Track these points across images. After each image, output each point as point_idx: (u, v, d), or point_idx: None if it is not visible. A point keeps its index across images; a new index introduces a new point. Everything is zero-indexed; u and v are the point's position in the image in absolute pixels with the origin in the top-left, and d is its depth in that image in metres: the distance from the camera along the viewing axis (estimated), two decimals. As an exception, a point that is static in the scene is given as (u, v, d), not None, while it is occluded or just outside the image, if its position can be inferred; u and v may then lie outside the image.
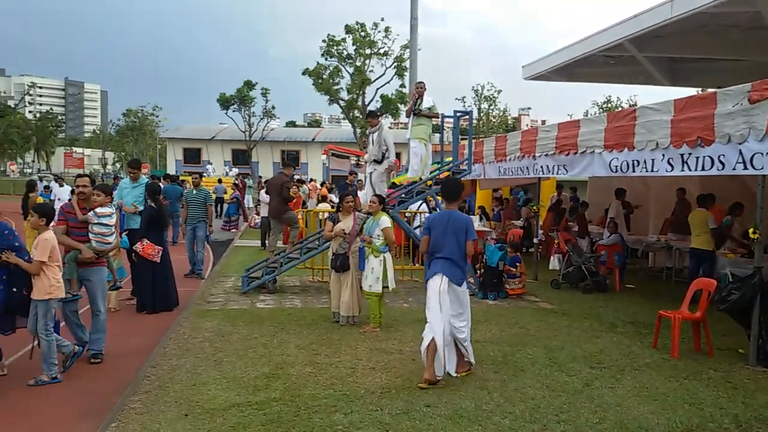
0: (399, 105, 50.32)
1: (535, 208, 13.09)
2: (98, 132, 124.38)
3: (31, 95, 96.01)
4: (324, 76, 50.80)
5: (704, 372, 6.66)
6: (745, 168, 6.52)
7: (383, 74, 50.89)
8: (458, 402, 5.55)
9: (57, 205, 11.34)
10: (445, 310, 6.10)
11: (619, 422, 5.21)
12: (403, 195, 11.37)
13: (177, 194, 15.64)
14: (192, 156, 60.06)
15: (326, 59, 50.78)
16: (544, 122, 74.37)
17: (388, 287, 8.11)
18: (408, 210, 12.32)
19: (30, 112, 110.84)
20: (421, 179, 11.37)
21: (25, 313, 5.99)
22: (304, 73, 50.96)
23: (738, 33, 12.03)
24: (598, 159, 9.25)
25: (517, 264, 10.78)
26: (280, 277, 11.05)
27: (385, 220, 8.16)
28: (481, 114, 60.84)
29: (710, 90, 9.71)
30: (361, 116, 48.05)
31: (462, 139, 12.99)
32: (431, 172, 11.85)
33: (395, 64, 49.78)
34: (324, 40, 50.45)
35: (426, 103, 11.40)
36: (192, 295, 10.13)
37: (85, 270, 6.68)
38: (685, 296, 7.78)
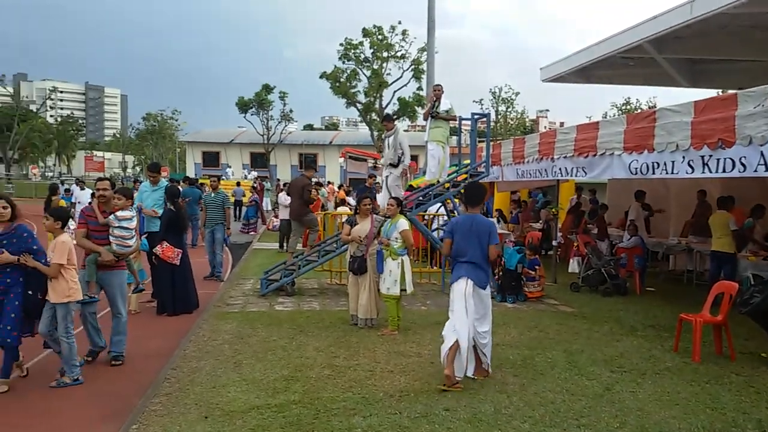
0: (416, 108, 50.23)
1: (554, 210, 13.02)
2: (118, 136, 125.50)
3: (52, 100, 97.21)
4: (341, 80, 50.88)
5: (726, 376, 6.59)
6: (767, 170, 6.45)
7: (400, 77, 50.86)
8: (477, 406, 5.53)
9: (78, 209, 11.47)
10: (470, 313, 6.16)
11: (640, 427, 5.17)
12: (421, 198, 11.37)
13: (196, 197, 15.77)
14: (211, 159, 60.40)
15: (344, 62, 50.87)
16: (562, 124, 73.96)
17: (405, 290, 8.11)
18: (426, 212, 12.31)
19: (51, 116, 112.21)
20: (438, 182, 11.36)
21: (40, 315, 6.02)
22: (321, 77, 51.08)
23: (759, 33, 11.90)
24: (617, 161, 9.19)
25: (536, 267, 10.72)
26: (299, 280, 11.08)
27: (403, 223, 8.16)
28: (499, 116, 60.67)
29: (731, 91, 9.61)
30: (378, 119, 48.06)
31: (480, 141, 12.94)
32: (449, 175, 11.84)
33: (412, 66, 49.72)
34: (341, 44, 50.54)
35: (444, 105, 11.40)
36: (211, 298, 10.20)
37: (105, 273, 6.69)
38: (706, 299, 7.68)
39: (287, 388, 5.94)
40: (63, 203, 13.24)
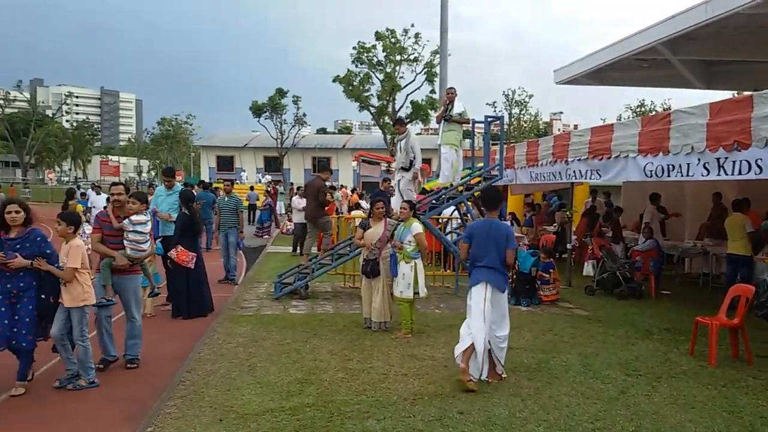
0: (429, 111, 50.31)
1: (568, 213, 12.97)
2: (133, 140, 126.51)
3: (68, 105, 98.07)
4: (354, 83, 51.04)
5: (743, 380, 6.52)
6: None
7: (413, 80, 50.98)
8: (492, 409, 5.51)
9: (94, 213, 11.56)
10: (488, 317, 6.21)
11: (656, 430, 5.14)
12: (434, 201, 11.36)
13: (210, 201, 15.86)
14: (225, 163, 60.86)
15: (357, 66, 51.04)
16: (576, 127, 73.75)
17: (419, 293, 8.10)
18: (440, 216, 12.30)
19: (67, 121, 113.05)
20: (452, 185, 11.36)
21: (52, 319, 6.02)
22: (334, 81, 51.26)
23: (775, 34, 11.80)
24: (632, 163, 9.15)
25: (551, 270, 10.68)
26: (312, 283, 11.10)
27: (417, 227, 8.16)
28: (513, 119, 60.54)
29: (746, 93, 9.53)
30: (391, 123, 48.13)
31: (493, 144, 12.93)
32: (462, 178, 11.83)
33: (425, 69, 49.79)
34: (354, 47, 50.74)
35: (457, 108, 11.40)
36: (226, 301, 10.24)
37: (120, 278, 6.67)
38: (722, 302, 7.63)
39: (301, 391, 5.95)
40: (80, 207, 13.34)
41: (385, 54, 50.49)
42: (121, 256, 6.62)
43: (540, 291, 10.60)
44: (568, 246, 12.94)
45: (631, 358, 7.29)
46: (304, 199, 17.04)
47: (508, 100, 61.13)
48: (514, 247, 6.39)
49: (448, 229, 13.29)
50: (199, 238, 9.82)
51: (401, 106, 51.84)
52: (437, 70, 41.78)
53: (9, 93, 71.54)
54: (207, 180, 31.98)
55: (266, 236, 22.33)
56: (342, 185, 34.53)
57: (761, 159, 6.69)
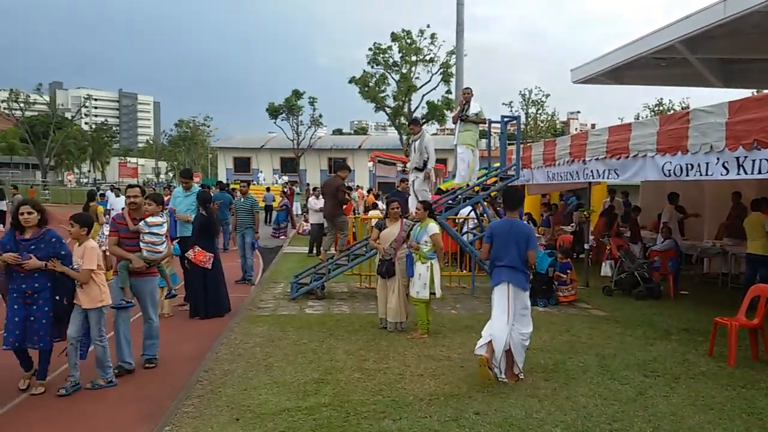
0: (445, 111, 50.25)
1: (585, 213, 12.89)
2: (151, 142, 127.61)
3: (86, 107, 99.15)
4: (370, 84, 51.11)
5: (763, 381, 6.44)
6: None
7: (429, 81, 50.97)
8: (508, 410, 5.49)
9: (113, 215, 11.65)
10: (510, 317, 6.26)
11: (674, 432, 5.10)
12: (450, 201, 11.34)
13: (226, 201, 15.95)
14: (242, 165, 61.17)
15: (372, 67, 51.13)
16: (593, 126, 73.31)
17: (435, 294, 8.09)
18: (457, 216, 12.27)
19: (86, 123, 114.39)
20: (468, 185, 11.33)
21: (67, 320, 6.01)
22: (350, 82, 51.37)
23: (795, 32, 11.64)
24: (650, 163, 9.07)
25: (568, 270, 10.62)
26: (328, 284, 11.12)
27: (434, 227, 8.15)
28: (529, 119, 60.31)
29: (766, 91, 9.43)
30: (407, 123, 48.14)
31: (509, 144, 12.88)
32: (478, 178, 11.80)
33: (441, 70, 49.77)
34: (370, 48, 50.83)
35: (473, 108, 11.38)
36: (243, 301, 10.29)
37: (137, 280, 6.69)
38: (741, 303, 7.54)
39: (317, 390, 5.97)
40: (101, 209, 13.45)
41: (401, 55, 50.53)
42: (138, 258, 6.62)
43: (557, 291, 10.55)
44: (586, 246, 12.86)
45: (649, 358, 7.24)
46: (321, 200, 17.14)
47: (524, 100, 61.03)
48: (536, 247, 6.41)
49: (464, 229, 13.27)
50: (216, 239, 9.88)
51: (417, 107, 51.86)
52: (453, 70, 41.74)
53: (29, 96, 72.44)
54: (224, 181, 32.16)
55: (283, 237, 22.42)
56: (358, 186, 34.54)
57: (782, 158, 6.61)
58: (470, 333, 8.28)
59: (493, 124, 12.32)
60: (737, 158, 7.25)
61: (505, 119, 12.14)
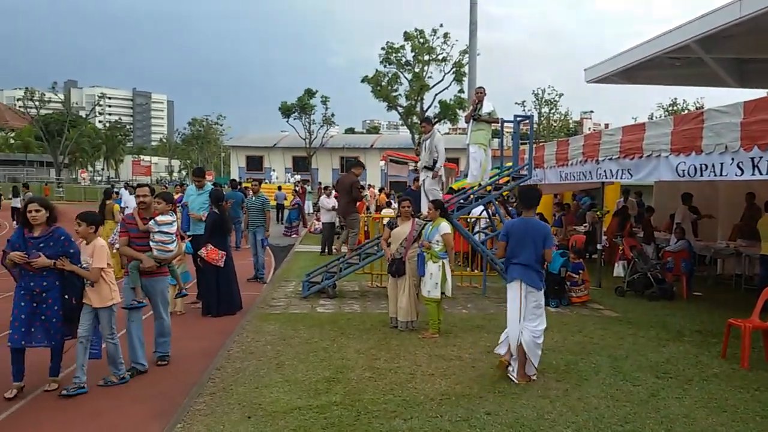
0: (457, 110, 50.16)
1: (599, 213, 12.83)
2: (165, 140, 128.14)
3: (101, 105, 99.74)
4: (383, 83, 51.08)
5: (777, 383, 6.40)
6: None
7: (442, 80, 50.89)
8: (519, 411, 5.48)
9: (126, 213, 11.73)
10: (522, 315, 6.30)
11: (687, 434, 5.07)
12: (462, 201, 11.32)
13: (238, 200, 16.02)
14: (254, 163, 61.36)
15: (385, 66, 51.09)
16: (607, 126, 72.94)
17: (445, 293, 8.08)
18: (469, 215, 12.25)
19: (100, 122, 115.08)
20: (480, 185, 11.30)
21: (78, 319, 5.97)
22: (363, 81, 51.37)
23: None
24: (664, 163, 9.02)
25: (580, 271, 10.57)
26: (340, 282, 11.14)
27: (445, 227, 8.14)
28: (542, 118, 60.08)
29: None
30: (419, 122, 48.10)
31: (522, 143, 12.84)
32: (490, 177, 11.77)
33: (454, 69, 49.66)
34: (383, 48, 50.79)
35: (486, 108, 11.35)
36: (254, 299, 10.32)
37: (148, 279, 6.68)
38: (755, 304, 7.47)
39: (329, 389, 5.98)
40: (117, 207, 13.50)
41: (413, 54, 50.47)
42: (148, 258, 6.60)
43: (570, 292, 10.50)
44: (599, 246, 12.81)
45: (661, 360, 7.20)
46: (332, 199, 17.19)
47: (537, 99, 60.73)
48: (552, 246, 6.42)
49: (476, 228, 13.24)
50: (228, 237, 9.91)
51: (429, 106, 51.80)
52: (466, 69, 41.68)
53: (44, 95, 73.02)
54: (237, 180, 32.30)
55: (295, 235, 22.47)
56: (370, 185, 34.58)
57: (797, 158, 6.56)
58: (481, 333, 8.27)
59: (505, 124, 12.28)
60: (752, 159, 7.20)
61: (518, 119, 12.10)
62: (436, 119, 49.23)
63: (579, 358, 7.16)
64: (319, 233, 18.69)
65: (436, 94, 51.54)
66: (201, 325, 8.89)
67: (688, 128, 8.40)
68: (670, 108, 59.90)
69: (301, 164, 60.14)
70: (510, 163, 12.12)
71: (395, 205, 17.79)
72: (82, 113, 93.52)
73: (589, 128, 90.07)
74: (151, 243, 6.66)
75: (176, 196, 15.77)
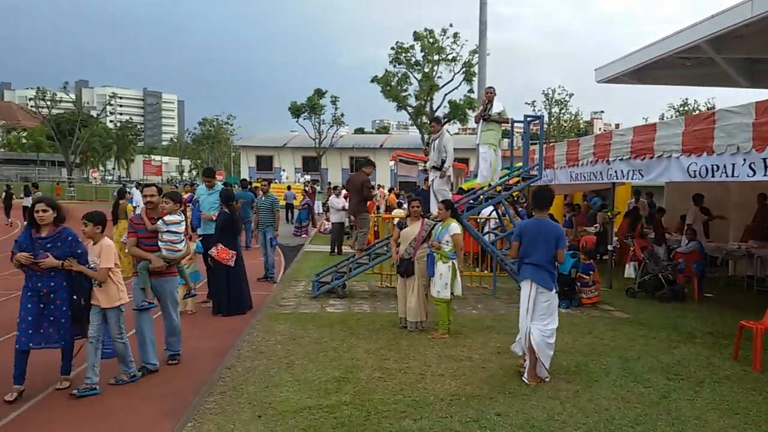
0: (467, 110, 50.09)
1: (610, 214, 12.78)
2: (175, 140, 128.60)
3: (112, 105, 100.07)
4: (392, 83, 51.10)
5: (790, 386, 6.36)
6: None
7: (451, 80, 50.85)
8: (529, 412, 5.47)
9: (138, 212, 11.77)
10: (531, 315, 6.34)
11: (699, 436, 5.04)
12: (472, 201, 11.30)
13: (248, 200, 16.07)
14: (264, 163, 61.50)
15: (394, 66, 51.11)
16: (617, 126, 72.66)
17: (454, 293, 8.07)
18: (478, 216, 12.23)
19: (111, 121, 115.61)
20: (490, 185, 11.28)
21: (87, 319, 5.96)
22: (372, 81, 51.40)
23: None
24: (675, 163, 8.98)
25: (591, 272, 10.53)
26: (349, 282, 11.15)
27: (455, 227, 8.13)
28: (552, 118, 59.92)
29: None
30: (428, 122, 48.05)
31: (532, 143, 12.80)
32: (500, 178, 11.75)
33: (464, 69, 49.59)
34: (393, 48, 50.80)
35: (496, 108, 11.32)
36: (265, 299, 10.35)
37: (158, 280, 6.67)
38: (767, 306, 7.44)
39: (338, 389, 5.99)
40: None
41: (423, 54, 50.45)
42: (157, 258, 6.59)
43: (580, 293, 10.46)
44: (609, 247, 12.76)
45: (672, 361, 7.16)
46: (341, 199, 17.21)
47: (547, 99, 60.57)
48: (564, 246, 6.43)
49: (486, 229, 13.21)
50: (238, 237, 9.95)
51: (439, 106, 51.77)
52: (475, 69, 41.60)
53: (55, 94, 73.40)
54: (247, 179, 32.40)
55: (304, 235, 22.50)
56: (379, 185, 34.58)
57: (810, 159, 6.51)
58: (491, 333, 8.26)
59: (516, 124, 12.26)
60: (764, 159, 7.15)
61: (528, 119, 12.06)
62: (446, 119, 49.18)
63: (589, 360, 7.14)
64: (329, 233, 18.70)
65: (446, 94, 51.56)
66: (211, 325, 8.92)
67: (699, 129, 8.36)
68: (681, 108, 59.64)
69: (310, 164, 60.23)
70: (520, 164, 12.09)
71: (406, 205, 17.78)
72: (94, 113, 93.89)
73: (600, 128, 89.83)
74: (159, 243, 6.65)
75: (186, 196, 15.88)
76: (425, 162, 15.33)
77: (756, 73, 14.31)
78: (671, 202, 15.64)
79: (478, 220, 12.65)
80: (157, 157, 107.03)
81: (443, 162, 10.92)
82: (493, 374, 6.50)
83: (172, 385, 6.26)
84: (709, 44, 11.93)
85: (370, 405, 5.56)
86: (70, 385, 6.01)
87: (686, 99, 61.04)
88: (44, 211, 5.75)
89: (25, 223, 5.91)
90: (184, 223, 6.92)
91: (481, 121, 11.47)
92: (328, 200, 21.45)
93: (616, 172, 10.79)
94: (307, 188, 30.85)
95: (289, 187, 31.50)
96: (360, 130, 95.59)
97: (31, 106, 71.71)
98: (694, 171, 8.50)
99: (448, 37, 49.78)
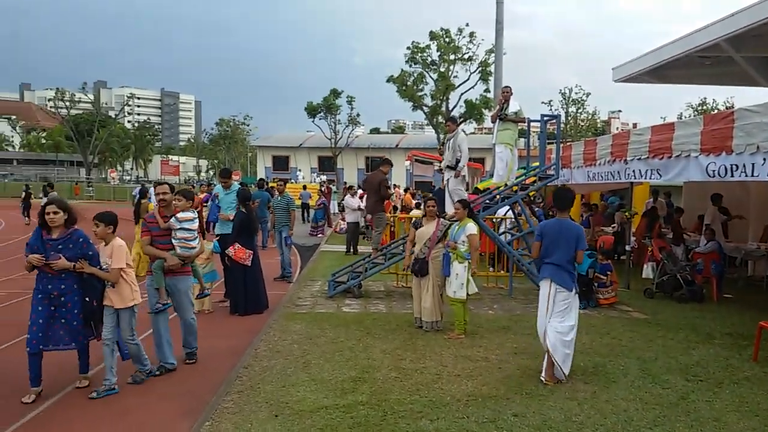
0: (483, 110, 49.95)
1: (627, 214, 12.69)
2: (192, 140, 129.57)
3: (129, 106, 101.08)
4: (408, 83, 51.05)
5: (811, 388, 6.28)
6: None
7: (467, 79, 50.68)
8: (547, 412, 5.45)
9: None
10: (550, 314, 6.37)
11: (718, 438, 5.00)
12: (488, 201, 11.27)
13: (265, 200, 16.13)
14: (280, 163, 61.66)
15: (410, 66, 51.05)
16: (635, 125, 72.13)
17: (469, 293, 8.05)
18: (494, 216, 12.20)
19: (129, 122, 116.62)
20: (506, 185, 11.25)
21: (100, 321, 5.97)
22: (388, 81, 51.37)
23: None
24: (694, 163, 8.90)
25: (608, 272, 10.46)
26: (365, 282, 11.16)
27: (472, 227, 8.12)
28: (569, 118, 59.63)
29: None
30: (444, 122, 47.99)
31: (549, 143, 12.75)
32: (517, 177, 11.71)
33: (480, 68, 49.44)
34: (408, 47, 50.74)
35: (512, 107, 11.29)
36: (281, 299, 10.39)
37: (172, 279, 6.66)
38: (789, 307, 7.37)
39: (355, 389, 6.00)
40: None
41: (439, 53, 50.36)
42: (172, 256, 6.58)
43: (599, 294, 10.40)
44: (627, 248, 12.67)
45: (691, 362, 7.11)
46: (356, 199, 17.23)
47: (564, 99, 60.34)
48: (585, 247, 6.45)
49: (502, 229, 13.18)
50: (255, 236, 9.99)
51: (455, 106, 51.65)
52: (492, 68, 41.47)
53: (74, 95, 74.23)
54: (264, 179, 32.52)
55: (320, 235, 22.55)
56: (395, 185, 34.60)
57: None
58: (508, 334, 8.23)
59: (532, 123, 12.22)
60: (785, 159, 7.08)
61: (545, 118, 12.01)
62: (462, 119, 49.05)
63: (607, 360, 7.10)
64: (345, 233, 18.73)
65: (462, 94, 51.40)
66: (228, 324, 8.97)
67: (718, 128, 8.29)
68: (700, 107, 59.13)
69: (326, 164, 60.29)
70: (537, 163, 12.04)
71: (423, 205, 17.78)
72: (112, 113, 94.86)
73: (617, 128, 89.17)
74: (173, 240, 6.63)
75: (202, 196, 15.98)
76: (441, 162, 15.33)
77: (776, 72, 14.15)
78: (689, 201, 15.50)
79: (494, 220, 12.61)
80: (175, 157, 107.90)
81: (458, 161, 10.89)
82: (509, 375, 6.48)
83: (190, 384, 6.31)
84: (728, 43, 11.82)
85: (386, 405, 5.57)
86: (89, 384, 6.06)
87: (705, 98, 60.62)
88: (55, 212, 5.72)
89: (37, 224, 5.90)
90: (197, 220, 6.89)
91: (498, 120, 11.43)
92: (343, 200, 21.47)
93: (633, 171, 10.71)
94: (322, 188, 30.91)
95: (304, 187, 31.58)
96: (376, 130, 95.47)
97: (51, 107, 72.66)
98: (713, 171, 8.43)
99: (464, 37, 49.66)
